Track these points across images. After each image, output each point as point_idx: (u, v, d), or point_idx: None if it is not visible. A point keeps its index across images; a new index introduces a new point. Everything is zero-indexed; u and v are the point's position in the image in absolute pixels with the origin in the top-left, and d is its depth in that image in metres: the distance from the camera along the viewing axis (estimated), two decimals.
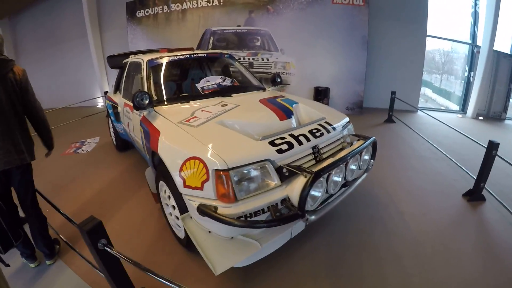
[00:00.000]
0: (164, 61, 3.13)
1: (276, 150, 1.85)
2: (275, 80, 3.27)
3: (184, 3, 7.10)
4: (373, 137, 2.30)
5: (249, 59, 6.58)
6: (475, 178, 3.02)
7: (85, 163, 4.26)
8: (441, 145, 4.27)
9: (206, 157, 1.73)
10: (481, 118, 6.46)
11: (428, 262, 2.16)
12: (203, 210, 1.69)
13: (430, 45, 8.72)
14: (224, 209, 1.67)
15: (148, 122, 2.47)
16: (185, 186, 1.81)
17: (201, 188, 1.73)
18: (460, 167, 3.56)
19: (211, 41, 6.98)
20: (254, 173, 1.76)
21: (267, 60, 6.37)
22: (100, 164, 4.10)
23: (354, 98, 5.92)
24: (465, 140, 3.40)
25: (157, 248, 2.33)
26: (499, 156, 2.79)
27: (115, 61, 4.01)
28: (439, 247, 2.32)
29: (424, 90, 9.82)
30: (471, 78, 6.76)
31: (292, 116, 2.38)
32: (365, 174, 2.34)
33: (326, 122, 2.33)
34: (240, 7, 6.48)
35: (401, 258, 2.20)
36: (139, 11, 7.87)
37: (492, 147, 2.79)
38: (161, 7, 7.46)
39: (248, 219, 1.68)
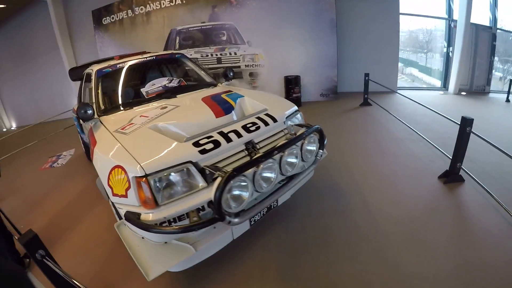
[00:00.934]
0: (113, 69, 3.01)
1: (199, 151, 1.75)
2: (227, 75, 3.15)
3: (148, 5, 6.84)
4: (317, 126, 2.10)
5: (216, 54, 6.32)
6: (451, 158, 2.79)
7: (60, 176, 4.28)
8: (419, 125, 4.04)
9: (126, 165, 1.67)
10: (463, 93, 6.18)
11: (393, 257, 1.94)
12: (128, 217, 1.65)
13: (413, 24, 8.44)
14: (146, 215, 1.61)
15: (91, 133, 2.39)
16: (113, 194, 1.75)
17: (126, 196, 1.68)
18: (435, 147, 3.33)
19: (177, 41, 6.74)
20: (175, 176, 1.68)
21: (235, 54, 6.11)
22: (73, 175, 4.14)
23: (327, 84, 5.72)
24: (443, 119, 3.07)
25: (115, 255, 2.26)
26: (473, 133, 2.55)
27: (76, 74, 3.84)
28: (408, 238, 2.10)
29: (411, 70, 9.59)
30: (450, 54, 6.46)
31: (233, 111, 2.27)
32: (312, 166, 2.12)
33: (266, 114, 2.19)
34: (202, 3, 6.27)
35: (360, 254, 1.99)
36: (104, 18, 7.65)
37: (466, 124, 2.54)
38: (125, 12, 7.25)
39: (172, 224, 1.62)
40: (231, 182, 1.57)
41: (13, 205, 3.60)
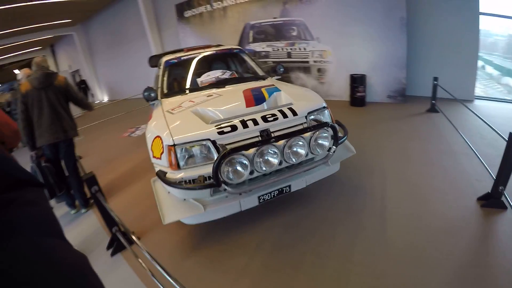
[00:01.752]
0: (178, 60, 3.78)
1: (218, 132, 2.22)
2: (275, 71, 3.60)
3: (224, 0, 7.43)
4: (327, 122, 2.37)
5: (287, 49, 6.73)
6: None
7: (133, 144, 5.59)
8: (483, 139, 3.86)
9: (163, 136, 2.27)
10: None
11: (384, 267, 2.04)
12: (158, 174, 2.26)
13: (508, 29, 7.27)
14: (170, 174, 2.21)
15: (151, 111, 3.10)
16: (153, 156, 2.38)
17: (160, 158, 2.28)
18: (483, 164, 3.07)
19: (251, 35, 7.29)
20: (196, 149, 2.23)
21: (304, 49, 6.44)
22: (144, 145, 5.17)
23: (395, 86, 5.65)
24: None
25: (154, 209, 2.47)
26: None
27: (154, 61, 4.43)
28: (409, 252, 2.14)
29: (508, 80, 8.45)
30: None
31: (264, 103, 2.69)
32: (323, 160, 2.41)
33: (289, 108, 2.49)
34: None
35: (353, 255, 2.19)
36: (186, 12, 8.51)
37: None
38: (204, 6, 7.97)
39: (187, 184, 2.15)
40: (230, 157, 2.03)
41: (91, 161, 5.08)
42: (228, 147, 2.12)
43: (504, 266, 1.94)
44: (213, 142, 2.19)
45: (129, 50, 12.07)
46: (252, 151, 2.12)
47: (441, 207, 2.62)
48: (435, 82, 4.81)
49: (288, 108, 2.50)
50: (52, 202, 3.42)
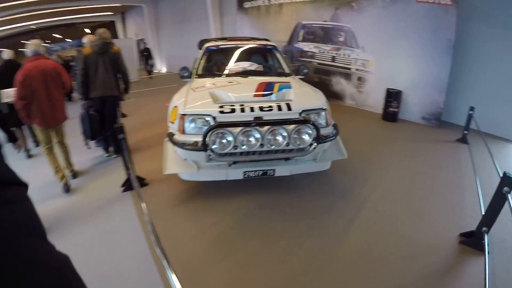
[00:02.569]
0: (216, 48, 4.49)
1: (219, 111, 2.76)
2: (299, 71, 4.07)
3: None
4: (311, 120, 2.74)
5: (332, 53, 6.92)
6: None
7: None
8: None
9: (179, 106, 2.92)
10: None
11: (331, 275, 2.23)
12: (169, 134, 2.94)
13: None
14: (177, 136, 2.85)
15: (182, 87, 3.71)
16: (169, 121, 3.02)
17: (173, 123, 2.93)
18: (480, 203, 3.01)
19: (301, 34, 7.56)
20: (199, 121, 2.82)
21: (348, 56, 6.58)
22: None
23: (431, 108, 5.54)
24: None
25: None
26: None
27: (202, 45, 4.90)
28: (359, 266, 2.31)
29: None
30: None
31: (270, 96, 3.16)
32: (301, 153, 2.82)
33: (286, 104, 2.89)
34: (327, 3, 6.76)
35: (303, 243, 2.52)
36: (245, 2, 8.95)
37: (504, 182, 2.18)
38: (262, 0, 8.32)
39: (185, 146, 2.74)
40: (218, 130, 2.61)
41: (133, 120, 6.31)
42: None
43: None
44: (214, 118, 2.76)
45: (191, 30, 12.95)
46: (238, 129, 2.65)
47: (418, 232, 2.70)
48: (471, 112, 4.70)
49: (285, 103, 2.90)
50: (92, 144, 4.54)
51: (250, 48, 4.67)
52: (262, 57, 4.79)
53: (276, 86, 3.31)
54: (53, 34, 23.53)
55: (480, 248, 2.36)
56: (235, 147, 2.72)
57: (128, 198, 3.38)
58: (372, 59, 6.18)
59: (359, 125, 5.72)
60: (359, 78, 6.53)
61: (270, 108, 2.83)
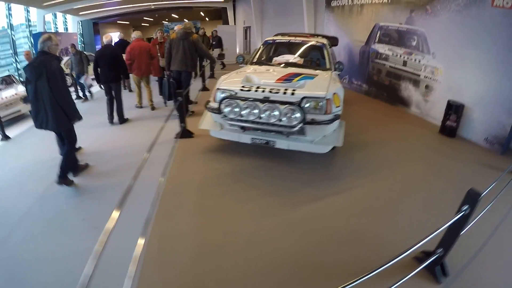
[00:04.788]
0: (271, 42, 5.85)
1: (240, 89, 3.89)
2: (337, 67, 4.79)
3: None
4: (295, 102, 3.56)
5: (404, 57, 6.79)
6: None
7: None
8: None
9: (218, 83, 4.22)
10: None
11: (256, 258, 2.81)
12: (206, 102, 4.25)
13: None
14: (210, 103, 4.17)
15: None
16: (211, 94, 4.32)
17: (213, 95, 4.17)
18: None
19: (378, 35, 7.58)
20: (225, 94, 3.96)
21: (419, 61, 6.37)
22: None
23: (497, 131, 4.91)
24: None
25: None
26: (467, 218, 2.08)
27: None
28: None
29: None
30: None
31: (290, 83, 4.04)
32: (287, 129, 3.69)
33: (293, 89, 3.75)
34: (403, 5, 6.61)
35: (269, 211, 3.06)
36: (333, 1, 9.28)
37: (466, 199, 2.06)
38: (346, 0, 8.54)
39: (213, 110, 4.08)
40: (229, 100, 3.76)
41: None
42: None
43: None
44: (236, 93, 3.87)
45: (290, 23, 13.67)
46: (243, 103, 3.73)
47: (378, 236, 2.85)
48: None
49: (293, 89, 3.75)
50: (170, 103, 6.79)
51: (301, 43, 5.61)
52: (312, 52, 5.58)
53: (299, 77, 4.20)
54: (172, 14, 27.75)
55: (432, 272, 2.30)
56: (241, 115, 3.77)
57: (175, 142, 4.89)
58: (441, 67, 5.87)
59: (410, 133, 5.66)
60: (427, 86, 6.28)
61: (277, 92, 3.73)
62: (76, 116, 3.65)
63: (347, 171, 4.13)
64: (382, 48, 7.49)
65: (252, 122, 3.79)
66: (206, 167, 4.20)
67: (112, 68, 5.77)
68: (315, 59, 5.59)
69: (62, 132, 3.73)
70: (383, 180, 3.96)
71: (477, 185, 2.08)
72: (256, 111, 3.71)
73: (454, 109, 5.41)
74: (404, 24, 6.69)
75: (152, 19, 29.55)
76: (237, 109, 3.79)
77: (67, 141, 3.77)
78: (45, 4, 14.90)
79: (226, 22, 23.81)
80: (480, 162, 4.59)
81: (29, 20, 15.67)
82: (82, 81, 8.41)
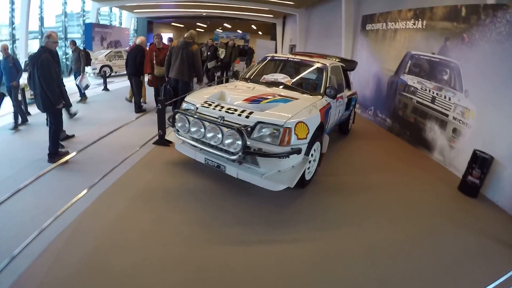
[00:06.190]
0: (270, 59, 5.47)
1: (201, 104, 3.73)
2: (325, 93, 4.34)
3: (397, 22, 7.02)
4: (235, 127, 3.15)
5: (433, 92, 5.76)
6: None
7: None
8: None
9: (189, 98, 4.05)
10: None
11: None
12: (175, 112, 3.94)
13: None
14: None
15: None
16: None
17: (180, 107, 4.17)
18: None
19: (408, 65, 6.63)
20: (189, 106, 3.87)
21: (449, 99, 5.32)
22: None
23: None
24: None
25: None
26: None
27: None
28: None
29: None
30: None
31: (258, 104, 3.70)
32: (230, 156, 3.29)
33: (249, 112, 3.38)
34: (438, 32, 5.64)
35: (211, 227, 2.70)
36: (368, 25, 8.54)
37: None
38: (381, 24, 7.76)
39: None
40: (179, 114, 3.65)
41: None
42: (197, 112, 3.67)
43: None
44: (197, 108, 3.72)
45: (329, 45, 13.09)
46: (192, 118, 3.54)
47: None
48: None
49: (249, 111, 3.38)
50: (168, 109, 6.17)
51: (299, 63, 5.18)
52: (310, 73, 5.05)
53: (273, 98, 3.88)
54: (224, 24, 28.26)
55: None
56: (190, 132, 3.59)
57: (152, 148, 5.05)
58: (473, 109, 4.78)
59: (421, 185, 4.59)
60: (454, 130, 5.18)
61: (232, 113, 3.40)
62: (60, 102, 4.20)
63: (302, 217, 3.34)
64: (411, 80, 6.50)
65: (201, 141, 3.61)
66: (158, 179, 4.05)
67: (132, 65, 6.87)
68: (311, 81, 5.05)
69: (49, 115, 4.38)
70: (340, 240, 3.07)
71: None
72: (202, 130, 3.48)
73: (479, 163, 4.28)
74: (437, 54, 5.69)
75: (205, 26, 30.56)
76: (186, 125, 3.63)
77: (52, 124, 4.29)
78: None
79: (274, 38, 23.79)
80: (500, 239, 3.44)
81: (83, 10, 17.14)
82: (77, 82, 7.93)
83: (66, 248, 2.63)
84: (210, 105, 3.66)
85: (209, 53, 11.41)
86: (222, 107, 3.55)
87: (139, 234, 2.89)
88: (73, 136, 5.37)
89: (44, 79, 3.96)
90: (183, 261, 2.57)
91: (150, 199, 3.52)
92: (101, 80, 10.63)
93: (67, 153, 4.59)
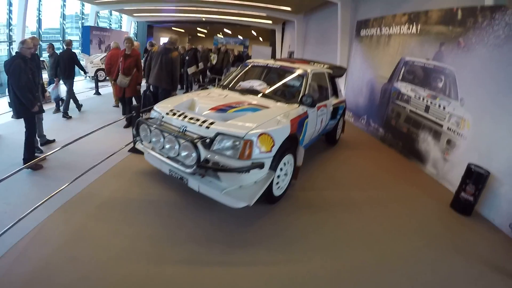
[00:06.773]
0: (252, 65, 5.09)
1: (166, 112, 3.50)
2: (301, 101, 3.94)
3: (391, 27, 6.72)
4: (190, 139, 2.95)
5: (427, 101, 5.41)
6: None
7: None
8: None
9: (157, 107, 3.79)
10: None
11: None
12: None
13: None
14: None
15: None
16: None
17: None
18: None
19: (402, 71, 6.30)
20: (156, 114, 3.64)
21: (444, 108, 4.97)
22: None
23: None
24: None
25: None
26: None
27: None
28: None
29: None
30: None
31: (223, 113, 3.46)
32: (189, 169, 3.02)
33: (210, 123, 3.12)
34: (432, 37, 5.31)
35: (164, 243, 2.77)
36: (362, 30, 8.26)
37: None
38: (375, 29, 7.47)
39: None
40: (141, 122, 3.48)
41: None
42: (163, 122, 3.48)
43: None
44: (163, 116, 3.50)
45: (326, 51, 12.81)
46: (153, 128, 3.28)
47: None
48: None
49: (211, 122, 3.13)
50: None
51: (279, 69, 4.85)
52: (290, 80, 4.71)
53: (242, 107, 3.63)
54: (225, 29, 27.74)
55: None
56: (150, 140, 3.41)
57: (129, 156, 4.83)
58: (469, 118, 4.41)
59: (409, 201, 4.20)
60: (449, 141, 4.81)
61: (194, 122, 3.18)
62: (34, 105, 4.12)
63: (265, 238, 3.00)
64: (404, 88, 6.16)
65: (160, 151, 3.41)
66: (124, 188, 3.83)
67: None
68: (290, 88, 4.68)
69: (24, 120, 4.22)
70: (304, 265, 2.69)
71: None
72: (161, 140, 3.26)
73: (474, 178, 3.90)
74: (431, 60, 5.36)
75: (206, 31, 30.40)
76: (148, 135, 3.44)
77: (26, 129, 4.21)
78: (96, 1, 15.80)
79: (273, 44, 23.59)
80: (493, 263, 3.05)
81: (82, 13, 17.23)
82: (49, 89, 6.85)
83: (19, 258, 2.50)
84: (174, 114, 3.44)
85: (187, 57, 9.91)
86: (185, 116, 3.33)
87: (92, 246, 2.70)
88: (53, 141, 5.24)
89: (16, 85, 4.00)
90: (126, 280, 2.36)
91: (112, 210, 3.32)
92: (93, 84, 10.35)
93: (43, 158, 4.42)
